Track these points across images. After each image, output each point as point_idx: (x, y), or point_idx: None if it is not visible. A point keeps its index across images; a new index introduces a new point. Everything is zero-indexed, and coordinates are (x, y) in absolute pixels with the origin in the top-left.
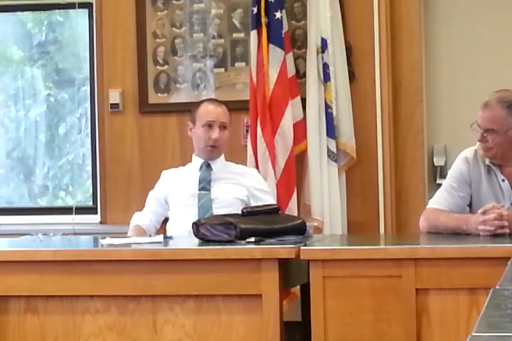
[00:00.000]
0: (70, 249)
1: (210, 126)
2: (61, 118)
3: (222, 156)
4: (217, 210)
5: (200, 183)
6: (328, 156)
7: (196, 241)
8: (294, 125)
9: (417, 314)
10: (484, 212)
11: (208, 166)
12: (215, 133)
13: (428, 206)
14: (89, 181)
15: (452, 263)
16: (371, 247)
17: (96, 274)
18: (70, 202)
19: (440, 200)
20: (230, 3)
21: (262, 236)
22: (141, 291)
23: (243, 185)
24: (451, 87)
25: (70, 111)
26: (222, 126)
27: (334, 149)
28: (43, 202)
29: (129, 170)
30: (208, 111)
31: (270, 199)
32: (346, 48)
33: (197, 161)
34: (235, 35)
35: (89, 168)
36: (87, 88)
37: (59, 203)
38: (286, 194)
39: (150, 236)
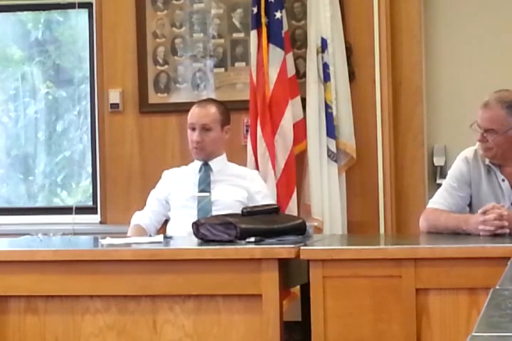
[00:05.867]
0: (69, 248)
1: (193, 128)
2: (59, 115)
3: (223, 156)
4: (217, 213)
5: (199, 185)
6: (328, 156)
7: (196, 241)
8: (294, 125)
9: (417, 314)
10: (484, 212)
11: (208, 167)
12: (195, 136)
13: (428, 206)
14: (89, 181)
15: (452, 263)
16: (371, 247)
17: (96, 274)
18: (68, 200)
19: (440, 200)
20: (230, 3)
21: (262, 236)
22: (141, 291)
23: (243, 187)
24: (451, 87)
25: (68, 108)
26: (204, 128)
27: (334, 149)
28: (41, 200)
29: (129, 170)
30: (192, 114)
31: (269, 202)
32: (346, 48)
33: (197, 162)
34: (235, 35)
35: (87, 165)
36: (86, 86)
37: (57, 201)
38: (286, 194)
39: (150, 236)
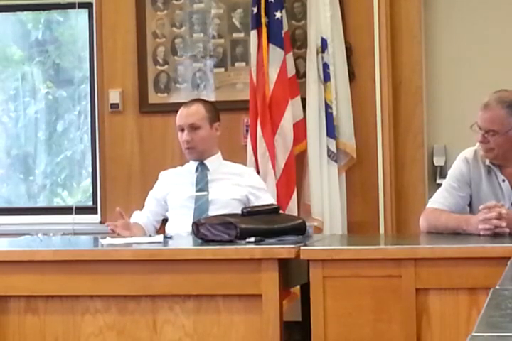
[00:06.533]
0: (69, 248)
1: (182, 129)
2: (59, 115)
3: (218, 155)
4: (214, 212)
5: (197, 185)
6: (328, 156)
7: (196, 241)
8: (294, 125)
9: (417, 314)
10: (485, 209)
11: (204, 167)
12: (184, 136)
13: (428, 206)
14: (89, 181)
15: (452, 263)
16: (371, 247)
17: (96, 274)
18: (69, 199)
19: (440, 200)
20: (230, 3)
21: (262, 236)
22: (141, 291)
23: (241, 185)
24: (451, 87)
25: (69, 108)
26: (193, 127)
27: (334, 149)
28: (41, 200)
29: (129, 170)
30: (179, 116)
31: (269, 198)
32: (346, 48)
33: (193, 162)
34: (235, 35)
35: (88, 166)
36: (86, 86)
37: (57, 201)
38: (286, 194)
39: (150, 236)
